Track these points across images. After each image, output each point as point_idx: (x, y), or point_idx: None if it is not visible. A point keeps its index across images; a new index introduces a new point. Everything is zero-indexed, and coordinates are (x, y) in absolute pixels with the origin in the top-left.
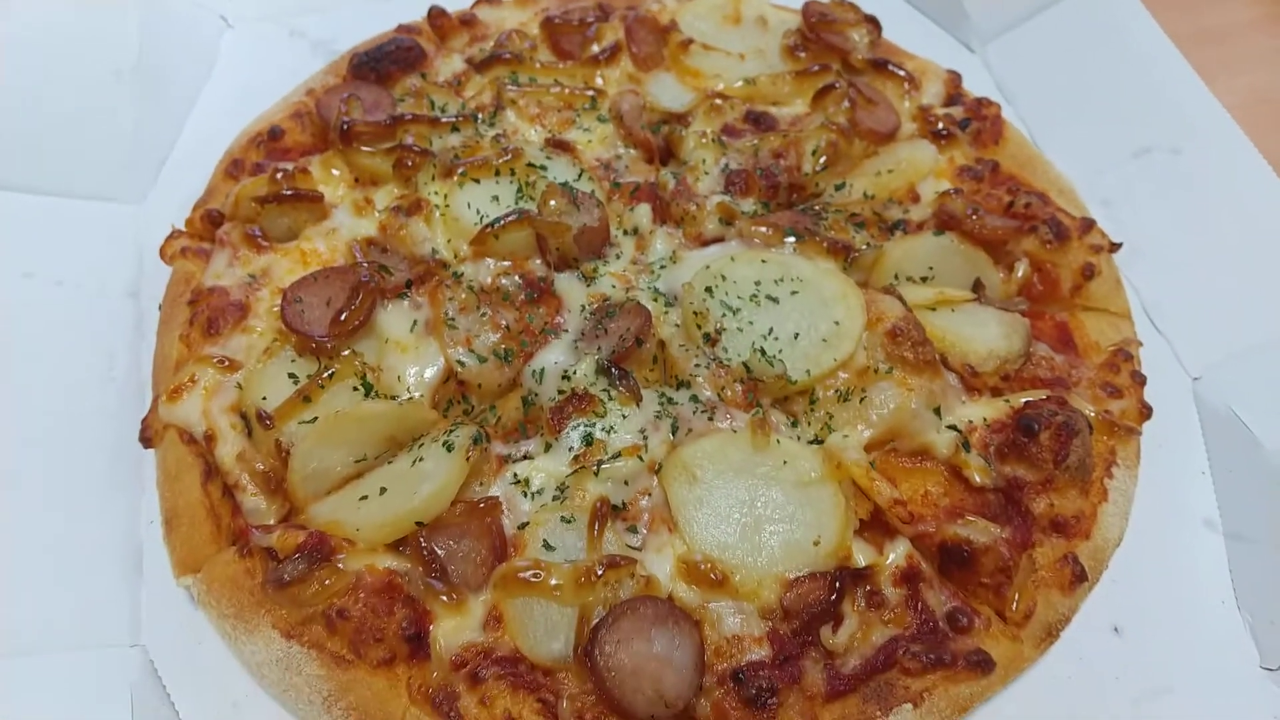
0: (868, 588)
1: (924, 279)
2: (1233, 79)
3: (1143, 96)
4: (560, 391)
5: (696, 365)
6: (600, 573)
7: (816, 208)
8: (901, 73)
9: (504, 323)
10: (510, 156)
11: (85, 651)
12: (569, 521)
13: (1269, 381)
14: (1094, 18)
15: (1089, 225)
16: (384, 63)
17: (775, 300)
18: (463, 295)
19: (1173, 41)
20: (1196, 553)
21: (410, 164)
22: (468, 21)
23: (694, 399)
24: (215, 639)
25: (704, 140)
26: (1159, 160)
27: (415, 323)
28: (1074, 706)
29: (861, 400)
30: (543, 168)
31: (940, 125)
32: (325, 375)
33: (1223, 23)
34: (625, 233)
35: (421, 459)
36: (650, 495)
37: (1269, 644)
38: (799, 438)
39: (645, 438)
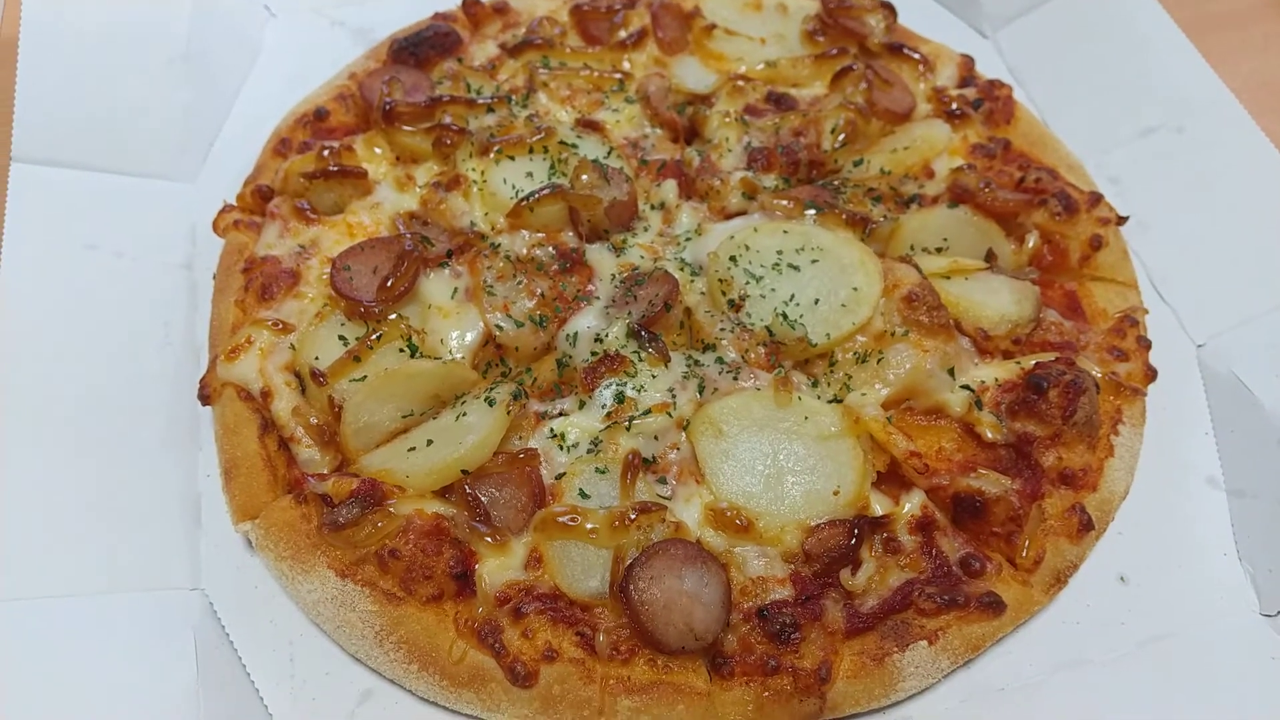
0: (885, 535)
1: (938, 249)
2: (1237, 64)
3: (1148, 78)
4: (593, 353)
5: (721, 329)
6: (633, 517)
7: (835, 183)
8: (916, 56)
9: (539, 290)
10: (543, 135)
11: (150, 594)
12: (603, 472)
13: (1270, 347)
14: (1102, 3)
15: (1096, 199)
16: (423, 47)
17: (796, 268)
18: (500, 265)
19: (1179, 28)
20: (1200, 508)
21: (449, 142)
22: (500, 9)
23: (719, 361)
24: (270, 583)
25: (727, 120)
26: (1164, 139)
27: (456, 290)
28: (1082, 649)
29: (879, 362)
30: (574, 146)
31: (954, 105)
32: (374, 337)
33: (1227, 10)
34: (652, 207)
35: (465, 413)
36: (679, 449)
37: (1268, 591)
38: (819, 397)
39: (674, 396)
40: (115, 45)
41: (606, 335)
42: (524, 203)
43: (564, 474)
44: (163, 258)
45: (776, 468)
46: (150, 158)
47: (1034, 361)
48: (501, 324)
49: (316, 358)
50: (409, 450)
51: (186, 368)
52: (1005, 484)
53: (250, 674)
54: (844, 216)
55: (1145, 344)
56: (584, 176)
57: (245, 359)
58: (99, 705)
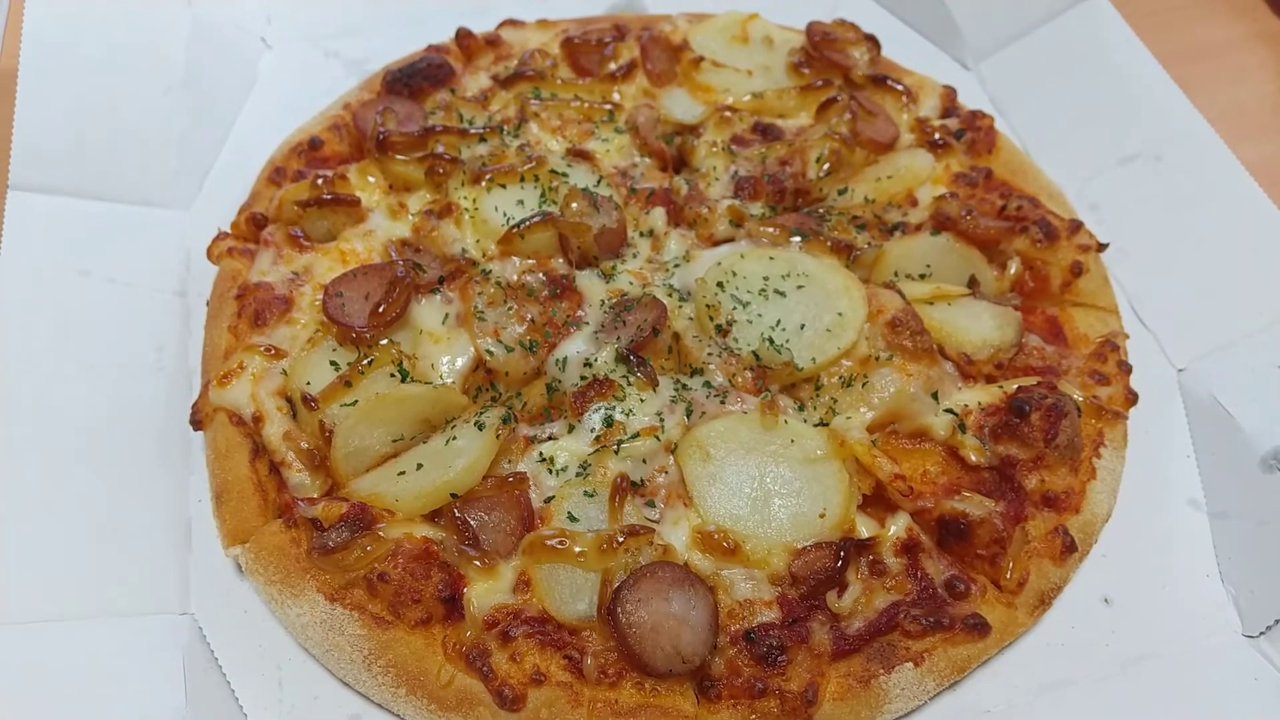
0: (870, 557)
1: (922, 276)
2: (1214, 93)
3: (1128, 108)
4: (582, 378)
5: (709, 354)
6: (621, 540)
7: (820, 211)
8: (900, 87)
9: (529, 316)
10: (534, 164)
11: (140, 618)
12: (591, 496)
13: (1249, 371)
14: (1081, 36)
15: (1077, 226)
16: (416, 79)
17: (782, 294)
18: (491, 291)
19: (1158, 59)
20: (1182, 530)
21: (441, 171)
22: (493, 42)
23: (707, 385)
24: (259, 608)
25: (715, 149)
26: (1143, 167)
27: (447, 316)
28: (1067, 670)
29: (864, 385)
30: (564, 175)
31: (937, 135)
32: (365, 362)
33: (1204, 41)
34: (641, 234)
35: (455, 437)
36: (667, 472)
37: (1250, 613)
38: (805, 421)
39: (662, 420)
40: (112, 74)
41: (595, 360)
42: (515, 230)
43: (553, 497)
44: (157, 284)
45: (763, 491)
46: (146, 185)
47: (1016, 385)
48: (492, 349)
49: (308, 383)
50: (399, 474)
51: (179, 393)
52: (989, 506)
53: (239, 698)
54: (829, 243)
55: (1126, 368)
56: (574, 204)
57: (237, 384)
58: None
